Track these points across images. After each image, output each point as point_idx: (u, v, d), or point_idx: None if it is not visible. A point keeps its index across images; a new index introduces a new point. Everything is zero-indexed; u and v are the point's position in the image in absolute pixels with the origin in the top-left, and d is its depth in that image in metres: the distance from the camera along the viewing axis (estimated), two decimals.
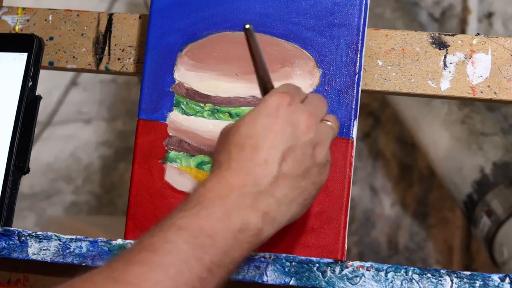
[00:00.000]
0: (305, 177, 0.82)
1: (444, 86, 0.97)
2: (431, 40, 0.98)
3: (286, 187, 0.80)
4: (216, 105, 0.96)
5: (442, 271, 0.84)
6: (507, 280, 0.83)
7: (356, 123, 0.94)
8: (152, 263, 0.72)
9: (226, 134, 0.83)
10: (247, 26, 0.82)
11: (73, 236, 0.92)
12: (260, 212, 0.78)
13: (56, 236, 0.92)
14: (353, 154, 0.93)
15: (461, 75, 0.96)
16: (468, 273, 0.84)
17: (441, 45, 0.97)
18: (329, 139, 0.85)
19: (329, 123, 0.86)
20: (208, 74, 0.97)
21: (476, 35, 0.97)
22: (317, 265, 0.87)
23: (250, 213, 0.78)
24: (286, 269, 0.87)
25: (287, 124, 0.81)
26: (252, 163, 0.79)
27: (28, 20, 1.07)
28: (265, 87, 0.85)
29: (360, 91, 0.95)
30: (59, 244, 0.91)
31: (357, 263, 0.86)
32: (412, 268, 0.85)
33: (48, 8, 1.07)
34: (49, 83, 2.36)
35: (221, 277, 0.76)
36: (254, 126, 0.81)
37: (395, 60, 0.98)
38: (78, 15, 1.06)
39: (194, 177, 0.95)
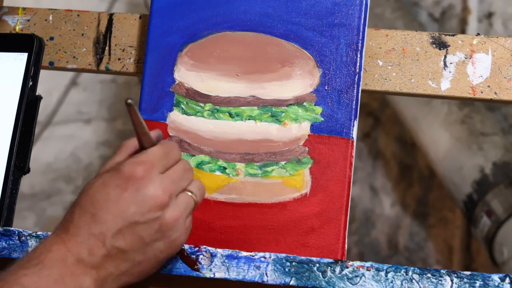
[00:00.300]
0: (145, 252, 0.82)
1: (445, 86, 0.97)
2: (431, 40, 0.98)
3: (118, 260, 0.81)
4: (216, 105, 0.96)
5: (442, 271, 0.84)
6: (507, 280, 0.83)
7: (356, 123, 0.94)
8: None
9: (84, 188, 0.83)
10: (129, 101, 0.80)
11: None
12: (92, 280, 0.80)
13: None
14: (353, 154, 0.93)
15: (462, 75, 0.96)
16: (468, 273, 0.84)
17: (441, 45, 0.97)
18: (187, 210, 0.85)
19: (189, 193, 0.85)
20: (208, 74, 0.97)
21: (476, 35, 0.97)
22: (317, 265, 0.87)
23: (83, 280, 0.80)
24: (286, 269, 0.87)
25: (132, 200, 0.81)
26: (88, 232, 0.81)
27: (28, 20, 1.07)
28: (142, 144, 0.84)
29: (360, 91, 0.95)
30: None
31: (357, 263, 0.86)
32: (412, 268, 0.85)
33: (48, 8, 1.07)
34: (49, 83, 2.36)
35: None
36: (100, 194, 0.81)
37: (395, 60, 0.98)
38: (78, 15, 1.06)
39: (194, 177, 0.95)
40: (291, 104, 0.95)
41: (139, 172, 0.81)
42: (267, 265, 0.88)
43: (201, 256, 0.89)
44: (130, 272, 0.83)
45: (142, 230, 0.81)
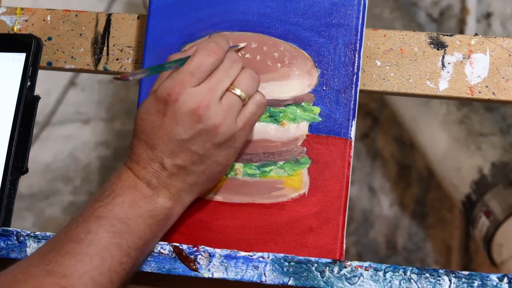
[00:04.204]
0: (203, 162, 0.87)
1: (443, 86, 0.97)
2: (429, 41, 0.98)
3: (182, 176, 0.87)
4: None
5: (440, 271, 0.84)
6: (505, 280, 0.83)
7: (354, 123, 0.94)
8: (79, 254, 0.82)
9: (135, 116, 0.88)
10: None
11: None
12: (166, 198, 0.87)
13: None
14: (352, 154, 0.93)
15: (459, 75, 0.97)
16: (466, 273, 0.84)
17: (439, 45, 0.98)
18: (233, 111, 0.88)
19: (237, 91, 0.88)
20: None
21: (474, 35, 0.97)
22: (316, 265, 0.87)
23: (156, 200, 0.87)
24: (285, 269, 0.87)
25: (173, 121, 0.85)
26: (147, 158, 0.87)
27: (26, 20, 1.07)
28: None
29: (358, 91, 0.95)
30: None
31: (355, 263, 0.86)
32: (410, 268, 0.85)
33: (46, 8, 1.07)
34: (47, 83, 2.36)
35: (137, 259, 0.86)
36: (145, 122, 0.87)
37: (393, 60, 0.98)
38: (76, 15, 1.06)
39: None
40: (289, 104, 0.95)
41: (173, 95, 0.85)
42: (265, 265, 0.88)
43: (199, 256, 0.89)
44: (198, 182, 0.88)
45: (191, 145, 0.86)
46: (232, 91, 0.88)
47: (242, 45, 0.95)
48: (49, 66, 1.06)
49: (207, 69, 0.87)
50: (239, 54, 0.97)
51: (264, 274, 0.87)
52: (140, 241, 0.85)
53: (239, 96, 0.88)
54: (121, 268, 0.84)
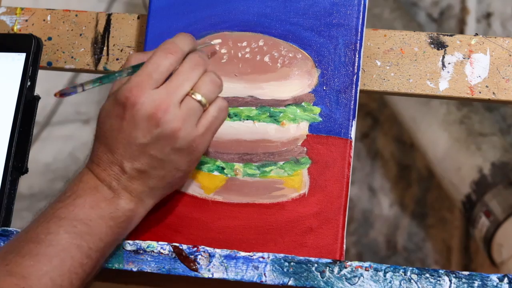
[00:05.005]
0: (164, 167, 0.86)
1: (443, 86, 0.97)
2: (429, 40, 0.98)
3: (143, 179, 0.86)
4: None
5: (440, 271, 0.84)
6: (506, 280, 0.83)
7: (354, 123, 0.94)
8: (38, 255, 0.81)
9: (98, 117, 0.88)
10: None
11: None
12: (128, 200, 0.86)
13: None
14: (352, 154, 0.93)
15: (460, 75, 0.97)
16: (466, 273, 0.84)
17: (440, 45, 0.98)
18: (192, 117, 0.86)
19: (197, 96, 0.86)
20: None
21: (474, 35, 0.97)
22: (316, 265, 0.87)
23: (117, 202, 0.86)
24: (285, 269, 0.87)
25: (132, 126, 0.84)
26: (108, 161, 0.86)
27: (26, 20, 1.07)
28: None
29: (358, 91, 0.95)
30: None
31: (355, 263, 0.86)
32: (410, 268, 0.85)
33: (46, 8, 1.07)
34: (47, 83, 2.36)
35: (98, 260, 0.85)
36: (106, 124, 0.86)
37: (393, 60, 0.98)
38: (76, 15, 1.06)
39: (192, 177, 0.95)
40: (289, 104, 0.95)
41: (131, 98, 0.84)
42: (265, 265, 0.88)
43: (199, 256, 0.89)
44: (159, 186, 0.87)
45: (150, 149, 0.85)
46: (192, 96, 0.86)
47: (216, 41, 0.94)
48: (49, 66, 1.06)
49: (164, 71, 0.85)
50: (239, 54, 0.97)
51: (264, 274, 0.87)
52: (101, 243, 0.85)
53: (199, 102, 0.86)
54: (81, 269, 0.83)
